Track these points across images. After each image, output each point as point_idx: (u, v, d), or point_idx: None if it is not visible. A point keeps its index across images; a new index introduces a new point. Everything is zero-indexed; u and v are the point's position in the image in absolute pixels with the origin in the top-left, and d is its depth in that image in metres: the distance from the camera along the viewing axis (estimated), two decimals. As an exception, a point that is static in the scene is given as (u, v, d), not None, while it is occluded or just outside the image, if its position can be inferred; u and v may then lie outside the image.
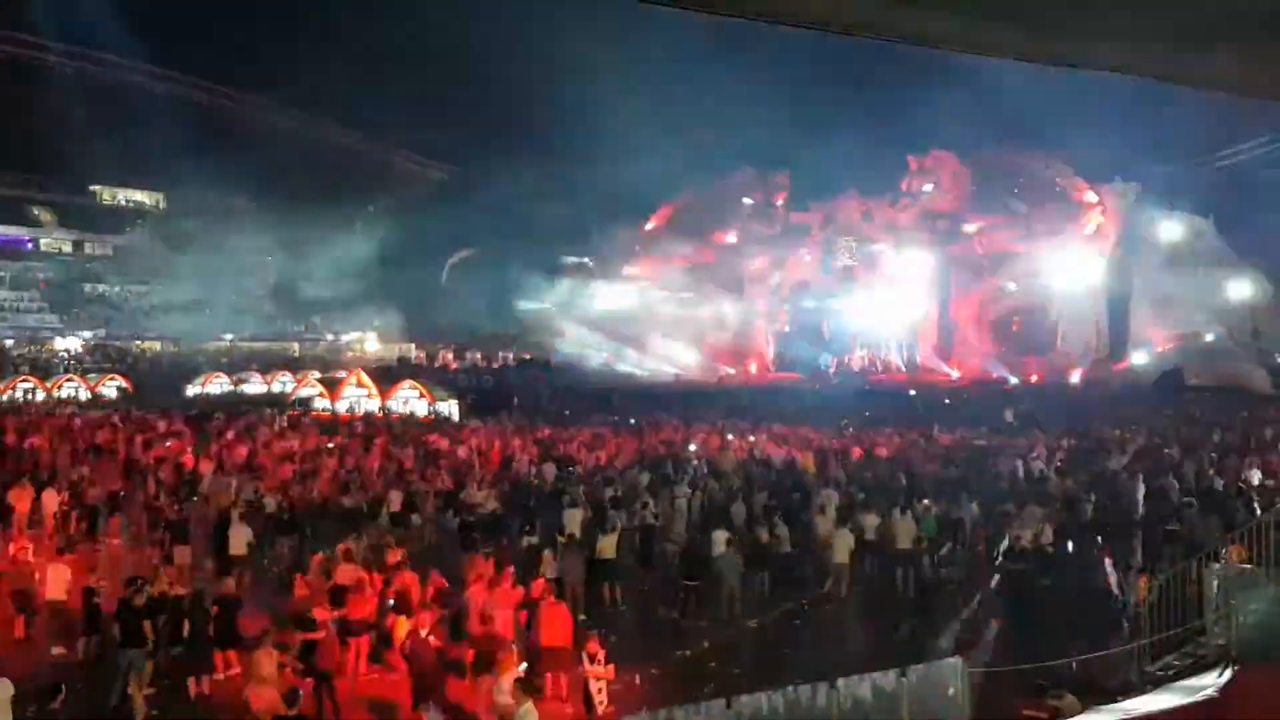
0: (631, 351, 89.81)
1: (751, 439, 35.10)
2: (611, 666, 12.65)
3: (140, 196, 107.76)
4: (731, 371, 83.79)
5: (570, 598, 16.65)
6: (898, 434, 37.25)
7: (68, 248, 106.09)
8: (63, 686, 11.65)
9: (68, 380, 59.17)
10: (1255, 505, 20.19)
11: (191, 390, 58.96)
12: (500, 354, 75.33)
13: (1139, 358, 71.45)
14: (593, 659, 12.45)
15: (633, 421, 42.29)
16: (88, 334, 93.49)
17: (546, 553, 17.00)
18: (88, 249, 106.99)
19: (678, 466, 27.85)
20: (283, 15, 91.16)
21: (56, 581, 15.61)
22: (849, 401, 55.50)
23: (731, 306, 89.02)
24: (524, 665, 12.42)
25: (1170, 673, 12.02)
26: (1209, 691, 8.64)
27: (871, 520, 19.34)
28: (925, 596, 17.93)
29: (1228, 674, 8.98)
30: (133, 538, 21.80)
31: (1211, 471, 25.96)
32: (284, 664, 12.26)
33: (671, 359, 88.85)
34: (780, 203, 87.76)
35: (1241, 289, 71.98)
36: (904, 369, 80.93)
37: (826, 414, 46.23)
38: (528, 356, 68.27)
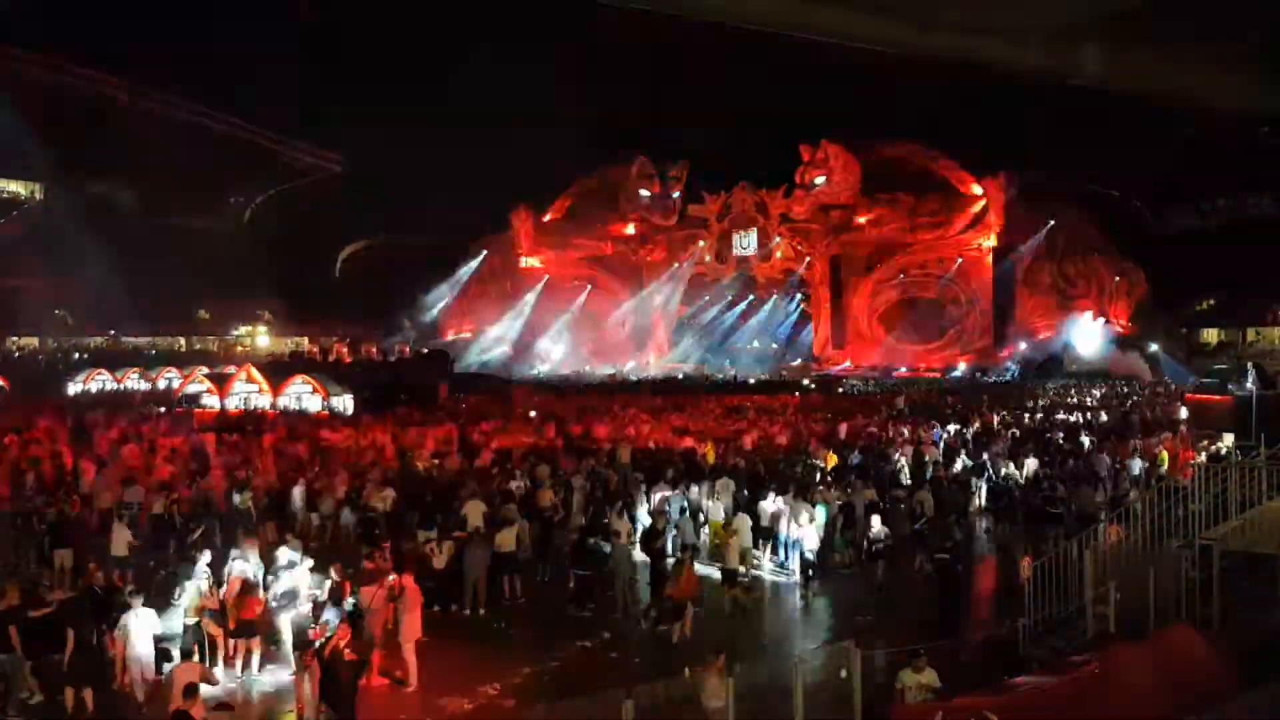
0: (530, 343, 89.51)
1: (650, 429, 35.24)
2: None
3: (15, 187, 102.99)
4: (631, 364, 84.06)
5: (472, 593, 16.63)
6: (796, 422, 37.84)
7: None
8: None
9: (-62, 378, 56.41)
10: (1132, 486, 21.07)
11: (73, 388, 56.80)
12: (396, 347, 74.15)
13: (1022, 345, 73.85)
14: None
15: (532, 414, 42.17)
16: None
17: (445, 545, 16.82)
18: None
19: (578, 458, 27.80)
20: (166, 1, 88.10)
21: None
22: (748, 391, 56.29)
23: (631, 298, 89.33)
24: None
25: (1052, 651, 12.48)
26: (1089, 669, 8.99)
27: (768, 506, 19.65)
28: (825, 580, 18.27)
29: (1106, 651, 9.36)
30: (8, 540, 20.92)
31: (1091, 454, 27.01)
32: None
33: (570, 351, 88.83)
34: (677, 194, 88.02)
35: (1121, 278, 74.83)
36: (800, 359, 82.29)
37: (725, 404, 46.91)
38: (424, 350, 67.33)
